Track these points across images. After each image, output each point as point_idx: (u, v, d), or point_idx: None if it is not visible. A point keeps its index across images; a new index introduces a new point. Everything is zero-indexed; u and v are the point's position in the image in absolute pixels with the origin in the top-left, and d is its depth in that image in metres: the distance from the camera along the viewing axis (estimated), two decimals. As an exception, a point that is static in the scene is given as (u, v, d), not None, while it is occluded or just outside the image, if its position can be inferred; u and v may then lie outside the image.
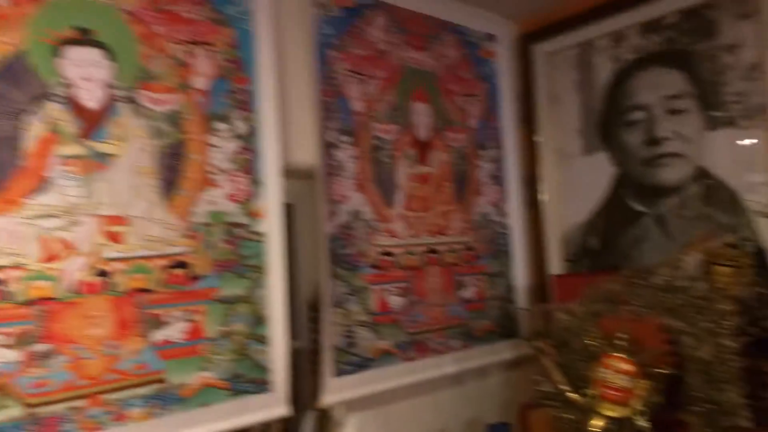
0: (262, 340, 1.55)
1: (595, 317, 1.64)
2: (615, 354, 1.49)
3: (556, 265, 2.31)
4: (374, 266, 1.86)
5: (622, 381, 1.46)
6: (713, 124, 1.92)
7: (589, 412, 1.51)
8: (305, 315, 1.84)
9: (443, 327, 2.03)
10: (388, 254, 1.90)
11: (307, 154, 1.74)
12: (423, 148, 2.05)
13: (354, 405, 1.78)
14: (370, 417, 1.81)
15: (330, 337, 1.71)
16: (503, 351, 2.20)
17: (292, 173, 1.71)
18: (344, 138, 1.82)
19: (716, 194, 1.91)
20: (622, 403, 1.47)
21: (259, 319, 1.55)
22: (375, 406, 1.83)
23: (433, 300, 2.01)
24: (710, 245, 1.84)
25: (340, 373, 1.72)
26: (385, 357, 1.84)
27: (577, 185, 2.27)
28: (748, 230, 1.83)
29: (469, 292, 2.13)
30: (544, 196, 2.35)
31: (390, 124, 1.95)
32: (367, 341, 1.81)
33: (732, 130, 1.88)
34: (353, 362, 1.76)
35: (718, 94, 1.89)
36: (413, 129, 2.02)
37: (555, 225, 2.32)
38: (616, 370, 1.47)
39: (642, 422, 1.44)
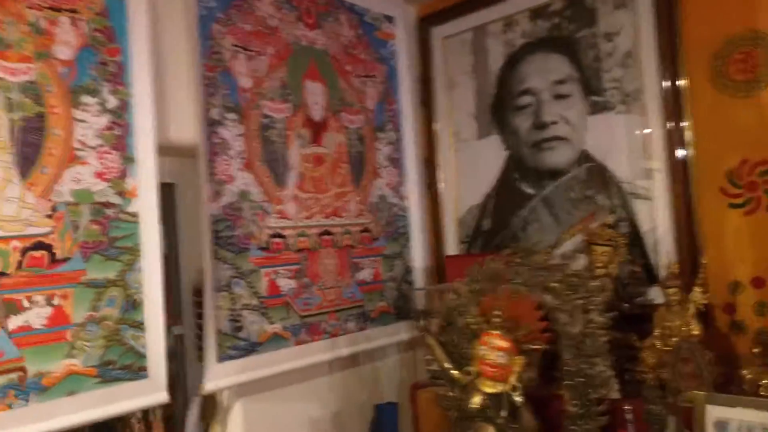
0: (136, 325, 1.48)
1: (478, 296, 1.68)
2: (492, 331, 1.52)
3: (452, 246, 2.35)
4: (264, 248, 1.82)
5: (499, 357, 1.49)
6: (594, 108, 2.00)
7: (470, 389, 1.54)
8: (189, 300, 1.78)
9: (338, 309, 2.01)
10: (279, 236, 1.87)
11: (188, 131, 1.67)
12: (317, 128, 2.02)
13: (243, 390, 1.74)
14: (261, 402, 1.78)
15: (213, 321, 1.66)
16: (399, 332, 2.22)
17: (170, 151, 1.64)
18: (230, 115, 1.76)
19: (596, 177, 1.99)
20: (500, 380, 1.50)
21: (133, 304, 1.47)
22: (266, 391, 1.80)
23: (328, 282, 1.99)
24: (590, 226, 1.92)
25: (225, 358, 1.68)
26: (274, 340, 1.81)
27: (472, 168, 2.31)
28: (625, 211, 1.92)
29: (365, 274, 2.13)
30: (441, 179, 2.37)
31: (281, 102, 1.91)
32: (255, 325, 1.77)
33: (610, 115, 1.96)
34: (239, 347, 1.72)
35: (599, 80, 1.97)
36: (306, 109, 1.99)
37: (451, 208, 2.36)
38: (493, 347, 1.50)
39: (517, 397, 1.49)
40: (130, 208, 1.49)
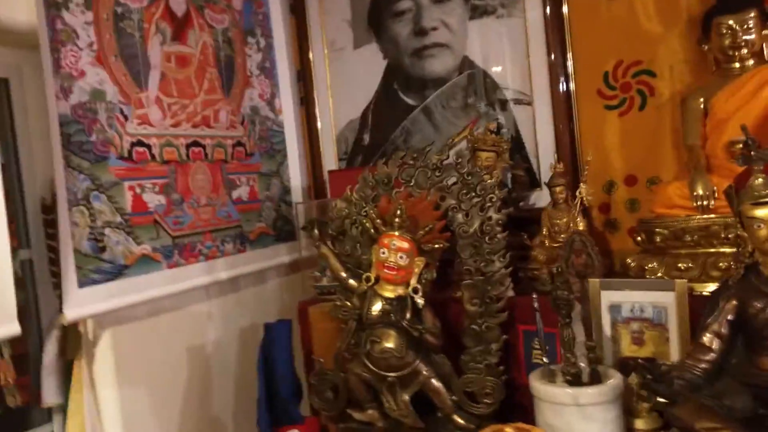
0: (-30, 244, 1.20)
1: (372, 201, 1.59)
2: (392, 233, 1.45)
3: (330, 164, 2.24)
4: (125, 158, 1.57)
5: (400, 259, 1.43)
6: (475, 13, 1.96)
7: (369, 296, 1.47)
8: (37, 219, 1.50)
9: (214, 229, 1.83)
10: (142, 144, 1.62)
11: (23, 13, 1.36)
12: (179, 23, 1.76)
13: (111, 320, 1.51)
14: (131, 332, 1.57)
15: (70, 241, 1.41)
16: (280, 254, 2.09)
17: (2, 36, 1.33)
18: (75, -2, 1.47)
19: (478, 84, 1.97)
20: (401, 282, 1.44)
21: (-36, 218, 1.19)
22: (137, 320, 1.59)
23: (201, 199, 1.79)
24: (474, 132, 1.90)
25: (87, 283, 1.44)
26: (143, 263, 1.59)
27: (349, 80, 2.19)
28: (506, 117, 1.93)
29: (241, 192, 1.95)
30: (316, 92, 2.23)
31: (135, -11, 1.63)
32: (120, 246, 1.54)
33: (491, 19, 1.93)
34: (103, 270, 1.49)
35: (480, -18, 1.93)
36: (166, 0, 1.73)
37: (328, 122, 2.23)
38: (395, 248, 1.43)
39: (418, 299, 1.44)
40: (-50, 98, 1.19)
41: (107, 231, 1.51)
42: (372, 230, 1.49)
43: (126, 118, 1.58)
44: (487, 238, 1.49)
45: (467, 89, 1.98)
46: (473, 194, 1.51)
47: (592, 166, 1.61)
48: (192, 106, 1.79)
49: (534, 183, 1.88)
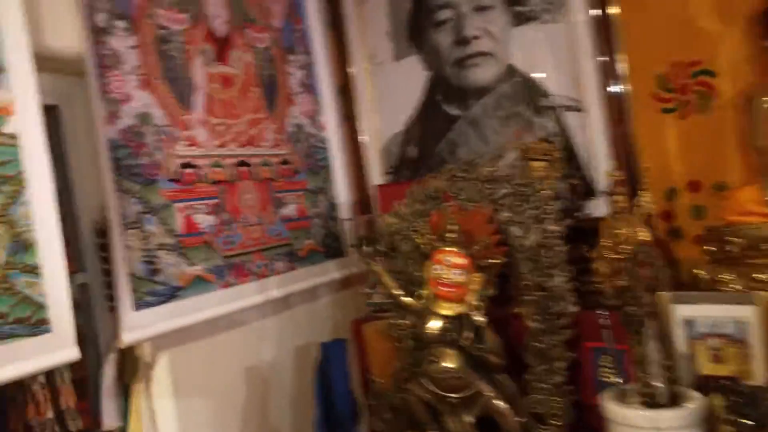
0: (30, 270, 1.20)
1: (422, 216, 1.56)
2: (446, 248, 1.41)
3: (376, 178, 2.21)
4: (175, 180, 1.57)
5: (456, 276, 1.39)
6: (518, 19, 1.91)
7: (425, 313, 1.43)
8: (91, 242, 1.51)
9: (264, 248, 1.81)
10: (191, 166, 1.62)
11: (69, 38, 1.38)
12: (221, 44, 1.77)
13: (167, 342, 1.51)
14: (188, 353, 1.56)
15: (124, 264, 1.41)
16: (330, 271, 2.06)
17: (50, 64, 1.35)
18: (119, 23, 1.48)
19: (524, 92, 1.92)
20: (458, 300, 1.40)
21: (22, 245, 1.19)
22: (192, 341, 1.58)
23: (250, 219, 1.78)
24: (524, 142, 1.85)
25: (142, 305, 1.44)
26: (197, 284, 1.58)
27: (392, 93, 2.16)
28: (557, 125, 1.87)
29: (289, 210, 1.93)
30: (360, 106, 2.21)
31: (177, 12, 1.64)
32: (174, 267, 1.53)
33: (535, 25, 1.88)
34: (158, 292, 1.48)
35: (523, -12, 1.89)
36: (207, 21, 1.73)
37: (373, 136, 2.20)
38: (449, 264, 1.39)
39: (479, 317, 1.39)
40: (6, 128, 1.20)
41: (160, 253, 1.50)
42: (424, 246, 1.45)
43: (173, 139, 1.58)
44: (545, 251, 1.43)
45: (513, 98, 1.93)
46: (528, 206, 1.46)
47: (649, 173, 1.55)
48: (237, 125, 1.79)
49: (589, 192, 1.81)
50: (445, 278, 1.39)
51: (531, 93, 1.90)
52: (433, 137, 2.08)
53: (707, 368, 1.29)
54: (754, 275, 1.34)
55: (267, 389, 1.78)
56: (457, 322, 1.40)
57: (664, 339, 1.31)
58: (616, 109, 1.76)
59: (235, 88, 1.80)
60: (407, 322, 1.48)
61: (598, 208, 1.75)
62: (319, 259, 2.03)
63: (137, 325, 1.41)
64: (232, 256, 1.70)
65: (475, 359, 1.39)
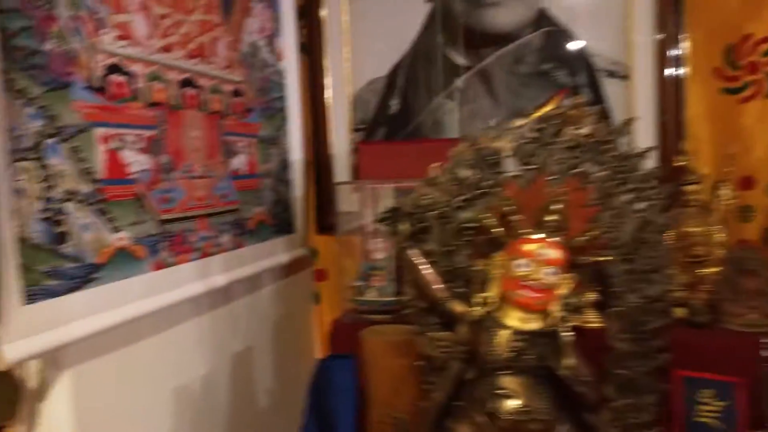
0: None
1: (473, 188, 1.11)
2: (539, 237, 0.97)
3: (340, 133, 1.70)
4: (97, 90, 0.95)
5: (548, 276, 0.96)
6: (557, -44, 1.53)
7: (489, 326, 0.99)
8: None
9: (209, 212, 1.24)
10: (121, 71, 1.01)
11: None
12: None
13: (68, 356, 0.89)
14: (95, 373, 0.95)
15: (10, 221, 0.79)
16: (279, 251, 1.53)
17: None
18: None
19: (556, 46, 1.54)
20: (540, 309, 0.98)
21: None
22: (102, 352, 0.97)
23: (195, 168, 1.19)
24: (560, 107, 1.47)
25: (38, 295, 0.82)
26: (121, 260, 0.98)
27: (375, 25, 1.66)
28: (593, 92, 1.52)
29: (239, 162, 1.37)
30: (329, 36, 1.68)
31: None
32: (90, 231, 0.92)
33: (582, -34, 1.52)
34: (64, 272, 0.87)
35: None
36: None
37: (342, 79, 1.69)
38: (543, 260, 0.96)
39: (565, 332, 0.98)
40: None
41: (69, 207, 0.89)
42: (498, 231, 1.01)
43: (99, 24, 0.96)
44: (646, 249, 1.06)
45: (542, 52, 1.55)
46: (626, 187, 1.08)
47: (732, 161, 1.26)
48: (186, 25, 1.18)
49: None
50: (533, 279, 0.95)
51: (565, 49, 1.53)
52: (427, 90, 1.63)
53: None
54: None
55: (200, 417, 1.22)
56: (537, 340, 0.98)
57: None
58: (671, 82, 1.46)
59: (186, -31, 1.20)
60: (456, 336, 1.02)
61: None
62: (268, 235, 1.49)
63: (29, 328, 0.80)
64: (170, 220, 1.11)
65: (558, 394, 0.99)
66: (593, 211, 1.04)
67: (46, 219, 0.84)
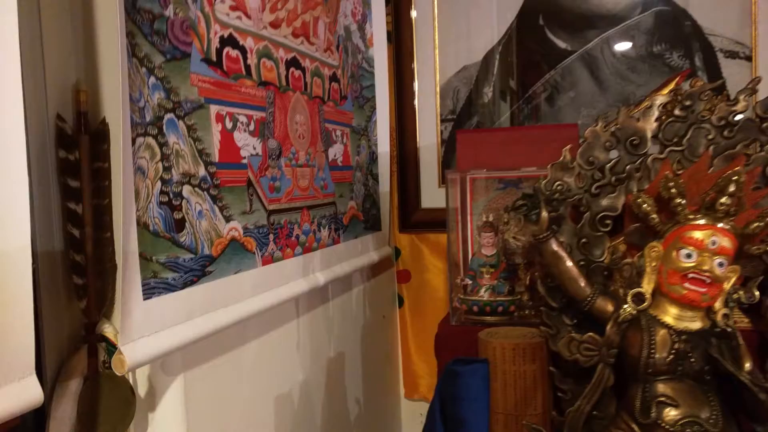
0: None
1: (615, 171, 1.00)
2: (706, 223, 0.85)
3: (429, 125, 1.60)
4: (213, 64, 0.87)
5: (718, 268, 0.84)
6: (671, -71, 1.41)
7: (645, 325, 0.87)
8: (44, 155, 0.75)
9: (311, 204, 1.14)
10: (235, 45, 0.92)
11: None
12: None
13: (179, 360, 0.80)
14: (203, 379, 0.86)
15: (133, 205, 0.69)
16: (370, 249, 1.43)
17: None
18: None
19: (672, 26, 1.42)
20: (705, 306, 0.86)
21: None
22: (210, 356, 0.88)
23: (300, 155, 1.10)
24: (679, 87, 1.33)
25: (155, 290, 0.73)
26: (233, 253, 0.89)
27: (468, 8, 1.56)
28: (711, 76, 1.39)
29: (336, 152, 1.27)
30: (416, 22, 1.58)
31: None
32: (206, 219, 0.83)
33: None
34: (181, 265, 0.78)
35: None
36: None
37: (430, 67, 1.59)
38: (715, 250, 0.84)
39: (737, 334, 0.86)
40: None
41: (186, 191, 0.80)
42: (654, 218, 0.89)
43: (215, -9, 0.88)
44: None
45: (653, 33, 1.42)
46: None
47: None
48: (292, 0, 1.10)
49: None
50: (705, 270, 0.83)
51: (678, 29, 1.41)
52: (525, 76, 1.52)
53: None
54: None
55: (298, 428, 1.12)
56: (701, 340, 0.86)
57: None
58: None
59: (288, -58, 1.11)
60: (605, 338, 0.90)
61: None
62: (360, 231, 1.39)
63: (148, 326, 0.71)
64: (276, 211, 1.02)
65: (727, 402, 0.86)
66: (758, 195, 0.92)
67: (164, 203, 0.75)
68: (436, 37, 1.56)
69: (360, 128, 1.41)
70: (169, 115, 0.77)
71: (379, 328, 1.54)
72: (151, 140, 0.73)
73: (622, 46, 1.44)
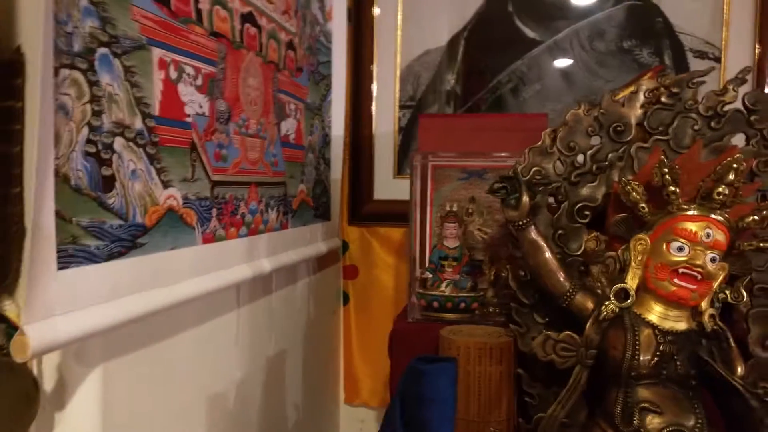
0: None
1: (598, 158, 0.93)
2: (702, 214, 0.79)
3: (387, 110, 1.50)
4: (160, 1, 0.73)
5: (711, 264, 0.78)
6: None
7: (627, 325, 0.80)
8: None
9: (260, 181, 1.02)
10: (187, -16, 0.79)
11: None
12: None
13: (97, 346, 0.66)
14: (126, 370, 0.72)
15: (52, 149, 0.56)
16: (318, 238, 1.31)
17: None
18: None
19: (642, 21, 1.38)
20: (694, 304, 0.80)
21: None
22: (135, 346, 0.74)
23: (251, 123, 0.97)
24: (651, 80, 1.30)
25: (73, 259, 0.59)
26: (169, 224, 0.75)
27: (430, -8, 1.48)
28: (678, 73, 1.36)
29: (288, 126, 1.15)
30: (379, 2, 1.49)
31: None
32: (140, 181, 0.70)
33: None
34: (107, 231, 0.64)
35: None
36: None
37: (391, 50, 1.49)
38: (709, 243, 0.78)
39: (728, 335, 0.81)
40: None
41: (119, 143, 0.66)
42: (643, 208, 0.82)
43: None
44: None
45: (624, 27, 1.39)
46: (774, 159, 0.91)
47: None
48: (249, -51, 0.97)
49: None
50: (697, 265, 0.77)
51: (649, 25, 1.37)
52: (490, 65, 1.44)
53: None
54: None
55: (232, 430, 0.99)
56: (687, 341, 0.80)
57: None
58: (769, 69, 1.31)
59: None
60: (584, 338, 0.83)
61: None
62: (309, 219, 1.27)
63: (61, 303, 0.57)
64: (222, 183, 0.89)
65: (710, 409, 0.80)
66: (753, 187, 0.87)
67: (91, 154, 0.61)
68: (399, 17, 1.47)
69: (314, 106, 1.30)
70: (104, 50, 0.63)
71: (323, 326, 1.42)
72: (78, 75, 0.59)
73: (592, 39, 1.39)
